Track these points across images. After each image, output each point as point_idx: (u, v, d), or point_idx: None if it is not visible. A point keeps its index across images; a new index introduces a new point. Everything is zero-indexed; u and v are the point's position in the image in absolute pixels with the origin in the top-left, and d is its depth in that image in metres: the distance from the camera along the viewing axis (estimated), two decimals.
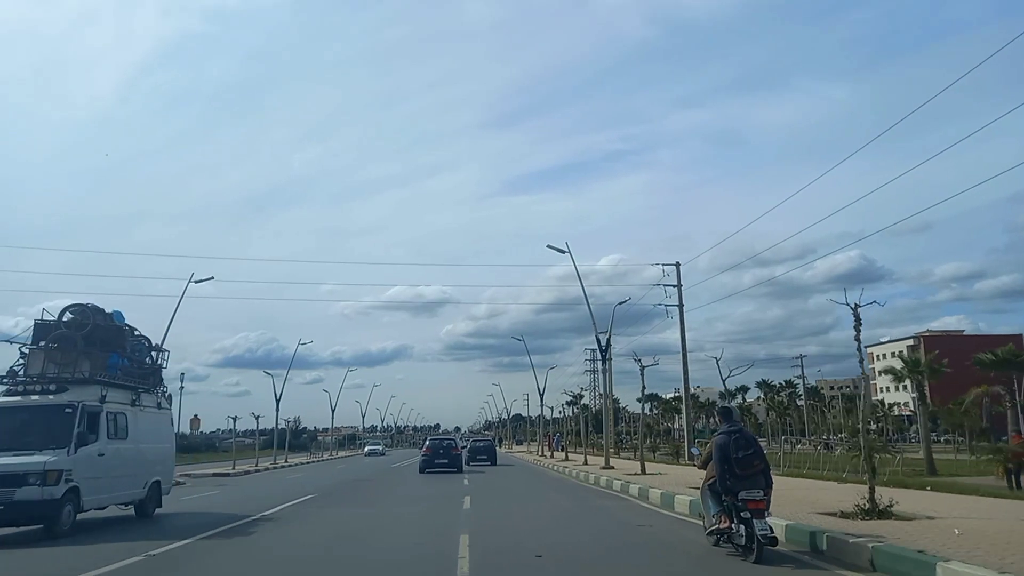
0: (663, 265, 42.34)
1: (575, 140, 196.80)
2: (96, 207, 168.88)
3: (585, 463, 30.68)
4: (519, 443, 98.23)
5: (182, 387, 47.94)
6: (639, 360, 20.81)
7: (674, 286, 42.39)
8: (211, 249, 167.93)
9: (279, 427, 48.92)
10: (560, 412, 71.20)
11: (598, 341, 25.90)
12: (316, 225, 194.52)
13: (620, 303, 26.94)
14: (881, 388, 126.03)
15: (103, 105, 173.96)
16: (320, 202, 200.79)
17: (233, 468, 36.10)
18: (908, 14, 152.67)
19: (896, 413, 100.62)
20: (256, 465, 40.50)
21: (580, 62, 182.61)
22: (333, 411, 66.82)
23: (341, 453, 73.05)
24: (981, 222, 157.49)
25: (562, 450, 48.67)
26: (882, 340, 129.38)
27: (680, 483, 17.11)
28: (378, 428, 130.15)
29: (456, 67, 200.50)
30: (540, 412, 53.04)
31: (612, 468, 24.79)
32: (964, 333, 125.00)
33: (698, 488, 9.43)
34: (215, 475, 32.73)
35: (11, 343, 13.55)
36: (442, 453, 30.21)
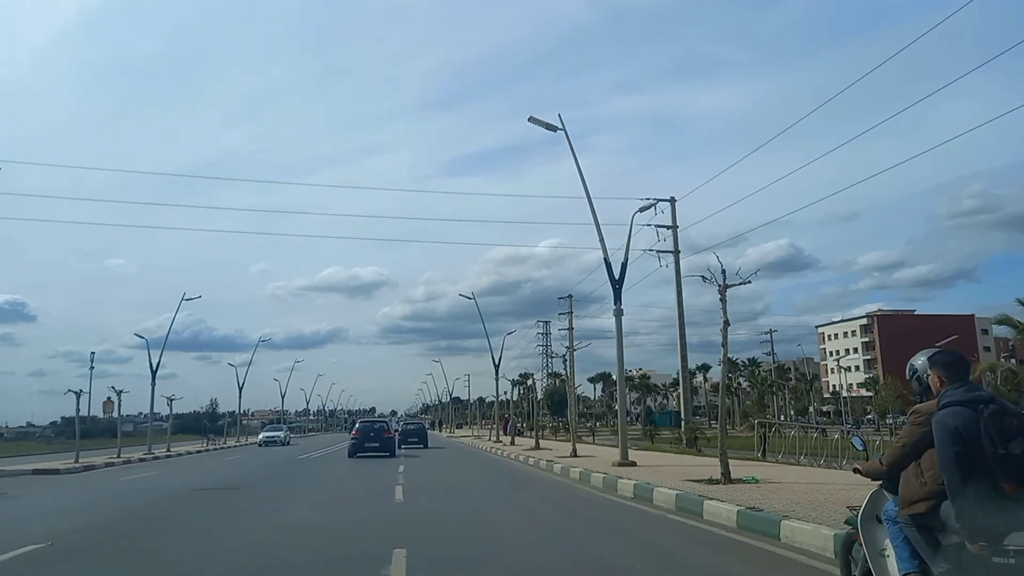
0: (655, 200, 33.80)
1: (514, 123, 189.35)
2: (15, 183, 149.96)
3: (574, 454, 21.59)
4: (459, 427, 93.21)
5: (92, 367, 40.46)
6: (712, 279, 11.66)
7: (668, 227, 33.95)
8: (136, 228, 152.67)
9: (155, 409, 39.10)
10: (506, 394, 63.04)
11: (609, 269, 16.70)
12: (249, 205, 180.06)
13: (640, 209, 17.98)
14: (831, 369, 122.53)
15: (21, 75, 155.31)
16: (253, 181, 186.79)
17: (76, 462, 27.06)
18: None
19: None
20: (118, 455, 31.34)
21: (519, 44, 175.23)
22: (241, 390, 56.78)
23: (251, 439, 62.46)
24: (903, 212, 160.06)
25: (520, 434, 39.88)
26: (834, 320, 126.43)
27: (822, 504, 8.23)
28: (310, 411, 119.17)
29: (393, 47, 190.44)
30: (496, 389, 44.14)
31: (633, 464, 15.80)
32: (915, 312, 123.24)
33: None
34: (35, 472, 24.01)
35: None
36: (373, 436, 28.43)
